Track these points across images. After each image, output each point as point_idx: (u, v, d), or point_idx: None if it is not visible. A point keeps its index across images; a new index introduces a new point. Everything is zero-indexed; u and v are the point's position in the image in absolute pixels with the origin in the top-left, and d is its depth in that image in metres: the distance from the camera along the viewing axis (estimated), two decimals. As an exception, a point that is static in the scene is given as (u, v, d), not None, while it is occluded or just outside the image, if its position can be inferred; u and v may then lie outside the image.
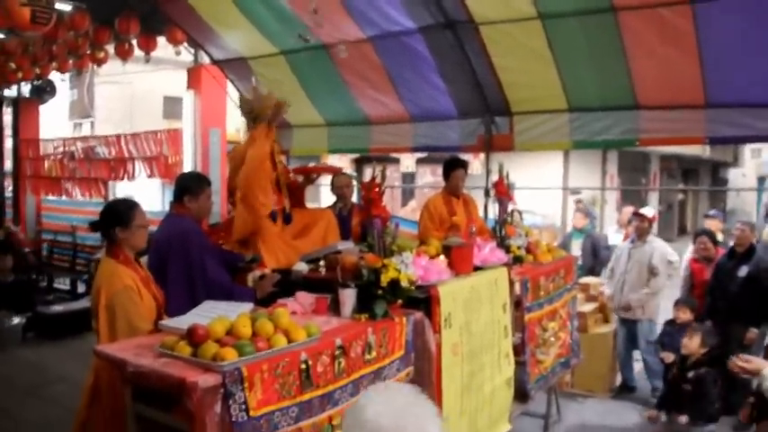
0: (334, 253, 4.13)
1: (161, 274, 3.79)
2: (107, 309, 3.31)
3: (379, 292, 3.30)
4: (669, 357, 6.48)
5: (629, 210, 10.07)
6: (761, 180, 21.27)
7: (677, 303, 6.76)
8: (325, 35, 7.19)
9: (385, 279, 3.29)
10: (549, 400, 6.39)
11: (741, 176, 30.94)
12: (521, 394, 4.94)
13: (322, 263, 4.22)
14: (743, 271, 6.56)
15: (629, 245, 7.60)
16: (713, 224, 8.81)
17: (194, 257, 3.95)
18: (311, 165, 4.97)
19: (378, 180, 4.15)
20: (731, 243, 7.15)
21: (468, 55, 6.72)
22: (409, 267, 3.40)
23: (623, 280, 7.46)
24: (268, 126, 4.63)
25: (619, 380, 7.81)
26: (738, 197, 27.12)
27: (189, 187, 4.17)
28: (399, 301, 3.44)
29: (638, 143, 6.61)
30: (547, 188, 13.13)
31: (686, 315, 6.51)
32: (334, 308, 3.42)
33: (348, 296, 3.32)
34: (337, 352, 2.93)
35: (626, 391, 7.62)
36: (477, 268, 4.32)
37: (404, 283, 3.35)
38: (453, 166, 6.13)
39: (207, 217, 4.37)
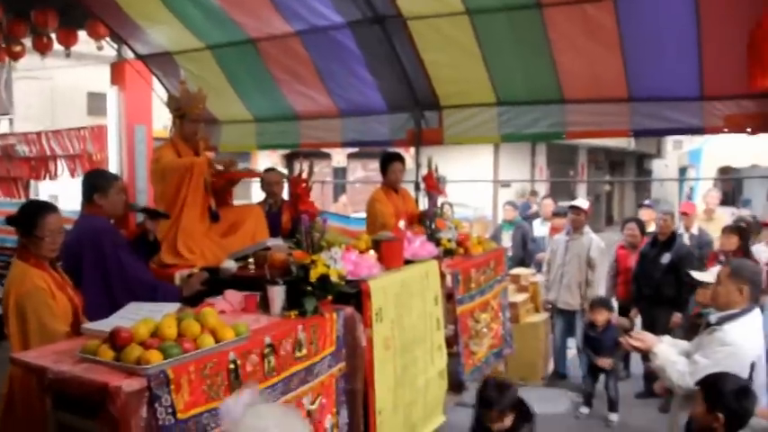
0: (263, 250, 4.07)
1: (77, 277, 3.66)
2: (17, 310, 3.20)
3: (309, 288, 3.27)
4: (607, 363, 6.57)
5: (548, 202, 10.27)
6: (682, 171, 21.97)
7: (592, 306, 6.81)
8: (252, 29, 7.09)
9: (314, 275, 3.26)
10: (482, 390, 6.48)
11: (664, 167, 31.95)
12: (456, 385, 4.98)
13: (251, 260, 4.16)
14: (666, 258, 6.77)
15: (566, 237, 7.72)
16: (647, 213, 9.08)
17: (109, 255, 3.83)
18: (232, 169, 4.86)
19: (304, 175, 4.09)
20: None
21: (396, 50, 6.73)
22: (338, 263, 3.38)
23: (561, 272, 7.58)
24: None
25: (551, 368, 7.97)
26: (662, 187, 28.00)
27: (97, 185, 4.02)
28: (329, 297, 3.41)
29: (564, 136, 6.74)
30: (478, 181, 13.28)
31: (603, 316, 6.60)
32: (264, 306, 3.37)
33: (277, 293, 3.28)
34: (267, 350, 2.89)
35: (558, 378, 7.79)
36: (407, 262, 4.32)
37: (333, 279, 3.32)
38: (390, 160, 6.11)
39: (121, 212, 4.24)
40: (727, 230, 6.67)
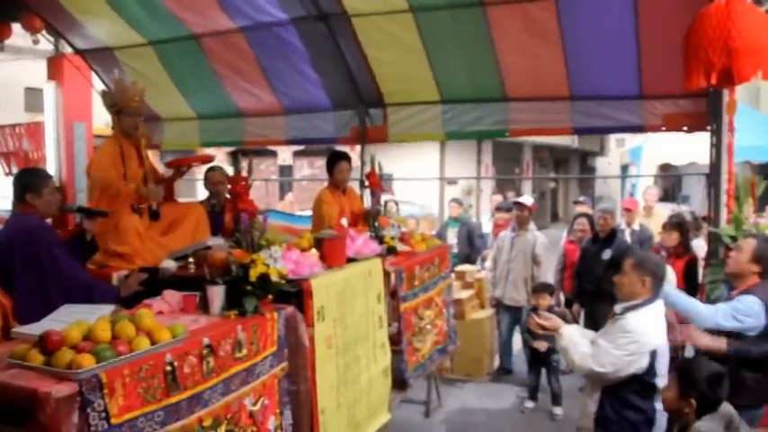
0: (203, 249, 4.01)
1: (8, 280, 3.54)
2: None
3: (249, 287, 3.23)
4: (543, 346, 6.69)
5: (498, 198, 10.37)
6: (624, 168, 22.48)
7: (535, 290, 6.93)
8: (194, 25, 6.98)
9: (254, 274, 3.22)
10: (428, 386, 6.52)
11: (607, 165, 32.57)
12: (400, 383, 4.99)
13: (191, 260, 4.09)
14: (606, 254, 6.89)
15: (511, 234, 7.79)
16: (583, 209, 9.22)
17: (43, 255, 3.71)
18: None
19: (244, 173, 4.04)
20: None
21: (341, 47, 6.71)
22: (278, 261, 3.35)
23: (507, 269, 7.64)
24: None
25: (497, 363, 8.05)
26: (605, 184, 28.54)
27: (30, 184, 3.88)
28: (270, 297, 3.37)
29: (507, 134, 6.82)
30: (424, 179, 13.33)
31: (546, 300, 6.71)
32: (203, 306, 3.32)
33: (216, 293, 3.23)
34: (205, 351, 2.84)
35: (503, 373, 7.86)
36: (350, 260, 4.31)
37: (273, 278, 3.29)
38: (336, 160, 6.07)
39: (55, 213, 4.13)
40: (667, 226, 6.81)
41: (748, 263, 4.05)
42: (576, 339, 3.82)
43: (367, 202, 6.21)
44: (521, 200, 8.00)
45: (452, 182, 16.62)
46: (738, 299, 3.98)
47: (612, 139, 29.48)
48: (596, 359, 3.64)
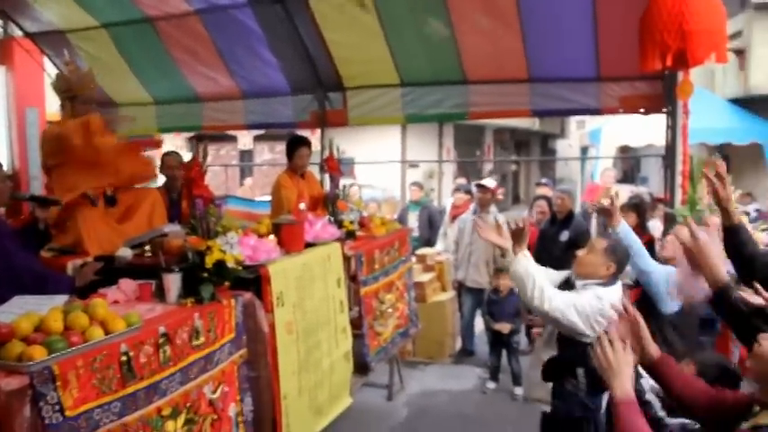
0: (159, 236, 3.94)
1: None
2: None
3: (205, 274, 3.19)
4: (506, 328, 6.75)
5: (461, 180, 10.41)
6: (584, 150, 22.75)
7: (496, 272, 7.02)
8: (148, 7, 6.83)
9: (210, 261, 3.18)
10: (391, 369, 6.55)
11: (568, 147, 32.88)
12: (361, 367, 5.00)
13: (147, 247, 4.03)
14: (564, 236, 6.96)
15: (473, 216, 7.81)
16: (544, 191, 9.30)
17: None
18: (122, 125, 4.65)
19: (199, 159, 3.99)
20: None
21: (299, 30, 6.64)
22: (235, 248, 3.32)
23: (469, 251, 7.67)
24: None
25: (458, 345, 8.11)
26: (567, 166, 28.83)
27: None
28: (227, 283, 3.34)
29: (467, 116, 6.83)
30: (385, 162, 13.31)
31: (507, 281, 6.78)
32: (160, 294, 3.27)
33: (172, 281, 3.19)
34: (161, 340, 2.81)
35: (465, 355, 7.92)
36: (309, 245, 4.29)
37: (230, 264, 3.26)
38: (296, 145, 6.01)
39: (6, 202, 4.03)
40: (625, 208, 6.88)
41: (602, 265, 3.92)
42: (532, 270, 3.75)
43: (326, 186, 6.19)
44: (483, 182, 8.02)
45: (414, 165, 16.63)
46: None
47: (573, 121, 29.75)
48: (555, 297, 3.61)
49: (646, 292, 4.15)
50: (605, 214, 4.14)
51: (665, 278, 3.96)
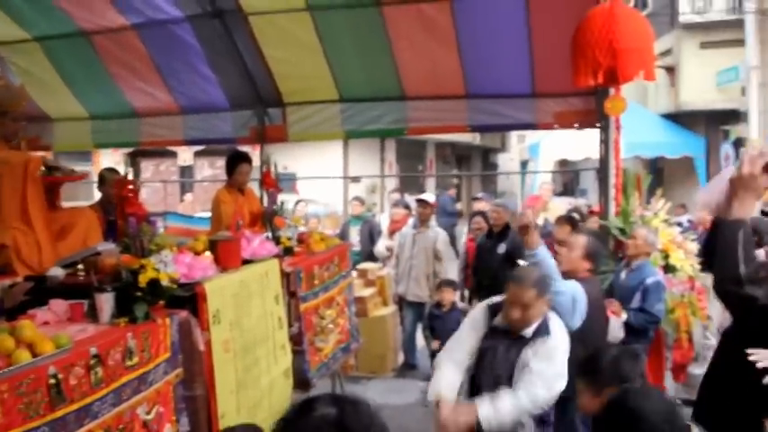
0: (92, 255, 3.86)
1: None
2: None
3: (139, 293, 3.14)
4: (437, 345, 6.80)
5: (396, 195, 10.49)
6: (524, 164, 23.18)
7: (439, 286, 7.09)
8: (83, 21, 6.71)
9: (143, 279, 3.13)
10: (333, 385, 6.50)
11: (509, 161, 33.44)
12: (302, 383, 4.96)
13: (81, 267, 3.94)
14: (501, 248, 7.07)
15: (413, 231, 7.87)
16: (481, 205, 9.43)
17: None
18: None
19: (130, 176, 3.93)
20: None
21: (237, 45, 6.62)
22: (169, 266, 3.27)
23: (410, 265, 7.72)
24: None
25: (401, 359, 8.13)
26: (508, 180, 29.28)
27: None
28: (161, 302, 3.29)
29: (406, 132, 6.91)
30: (327, 177, 13.33)
31: (450, 295, 6.84)
32: (92, 314, 3.20)
33: (105, 300, 3.12)
34: (93, 361, 2.74)
35: (408, 369, 7.94)
36: (247, 262, 4.26)
37: (165, 283, 3.21)
38: (238, 161, 5.99)
39: None
40: (560, 220, 7.05)
41: (580, 260, 4.15)
42: (496, 407, 3.31)
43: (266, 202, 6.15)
44: (423, 197, 8.12)
45: (356, 180, 16.67)
46: (572, 286, 3.97)
47: (513, 135, 30.28)
48: (537, 392, 3.30)
49: None
50: (523, 234, 4.03)
51: (572, 297, 3.93)
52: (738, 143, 13.61)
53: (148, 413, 3.12)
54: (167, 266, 3.25)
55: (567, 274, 4.19)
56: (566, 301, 3.85)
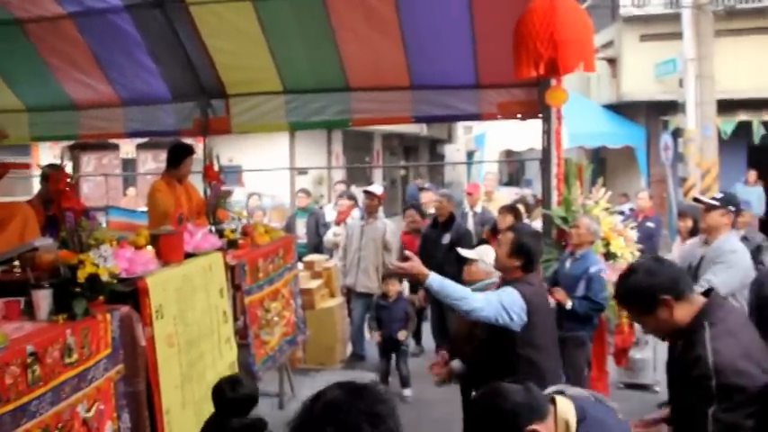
0: (29, 251, 3.77)
1: None
2: None
3: (78, 289, 3.07)
4: (403, 335, 6.83)
5: (341, 187, 10.50)
6: (470, 154, 23.38)
7: (384, 278, 7.10)
8: (16, 8, 6.50)
9: (82, 275, 3.07)
10: (280, 378, 6.50)
11: (456, 151, 33.67)
12: (248, 376, 4.93)
13: (17, 263, 3.84)
14: (446, 239, 7.13)
15: (361, 222, 7.87)
16: (427, 196, 9.51)
17: None
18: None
19: (67, 170, 3.85)
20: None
21: (179, 36, 6.51)
22: (109, 261, 3.21)
23: (358, 257, 7.72)
24: None
25: (349, 350, 8.14)
26: (454, 170, 29.48)
27: None
28: (101, 298, 3.23)
29: (350, 123, 6.90)
30: (274, 169, 13.22)
31: (396, 287, 6.88)
32: (29, 311, 3.12)
33: (42, 297, 3.05)
34: (29, 360, 2.68)
35: (357, 360, 7.96)
36: (189, 255, 4.21)
37: (104, 278, 3.15)
38: (185, 154, 5.94)
39: None
40: (503, 210, 7.14)
41: (507, 257, 3.95)
42: (446, 282, 3.81)
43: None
44: (370, 189, 8.13)
45: (303, 172, 16.58)
46: (504, 290, 3.90)
47: (460, 126, 30.47)
48: (480, 305, 3.72)
49: None
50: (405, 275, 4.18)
51: (498, 304, 3.78)
52: (677, 133, 13.96)
53: (88, 411, 3.07)
54: (107, 261, 3.19)
55: (501, 272, 4.17)
56: (495, 314, 3.77)
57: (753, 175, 14.14)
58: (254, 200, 10.77)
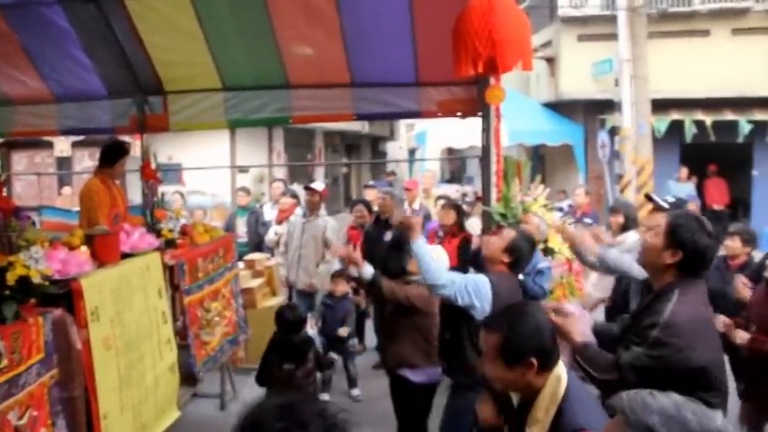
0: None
1: None
2: None
3: (7, 292, 2.98)
4: (345, 331, 6.83)
5: (278, 185, 10.44)
6: (411, 152, 23.52)
7: (333, 277, 7.10)
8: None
9: (12, 277, 2.97)
10: (222, 378, 6.43)
11: (398, 149, 33.86)
12: (189, 378, 4.90)
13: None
14: (388, 236, 7.14)
15: (302, 219, 7.82)
16: (371, 193, 9.52)
17: None
18: None
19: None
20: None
21: (115, 31, 6.35)
22: (41, 262, 3.12)
23: (299, 254, 7.67)
24: None
25: (292, 349, 8.08)
26: (397, 168, 29.60)
27: None
28: (32, 300, 3.14)
29: (291, 121, 6.82)
30: (214, 167, 13.06)
31: (343, 286, 6.88)
32: (-44, 316, 3.02)
33: (-31, 301, 2.96)
34: (-44, 366, 2.60)
35: (299, 358, 7.92)
36: (126, 255, 4.12)
37: (36, 280, 3.06)
38: (121, 153, 5.86)
39: None
40: (445, 207, 7.19)
41: (501, 252, 4.06)
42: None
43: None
44: (312, 185, 8.10)
45: (244, 170, 16.43)
46: (476, 276, 4.09)
47: (402, 124, 30.60)
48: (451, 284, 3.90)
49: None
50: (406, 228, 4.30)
51: (462, 286, 3.94)
52: (613, 131, 14.27)
53: (21, 418, 2.98)
54: (38, 263, 3.10)
55: (486, 260, 4.20)
56: (449, 293, 3.94)
57: (684, 171, 14.60)
58: (177, 198, 10.45)
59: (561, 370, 2.39)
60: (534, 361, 2.35)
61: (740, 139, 14.37)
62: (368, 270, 4.54)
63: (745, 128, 14.16)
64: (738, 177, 15.63)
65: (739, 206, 15.83)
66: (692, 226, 2.99)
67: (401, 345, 4.75)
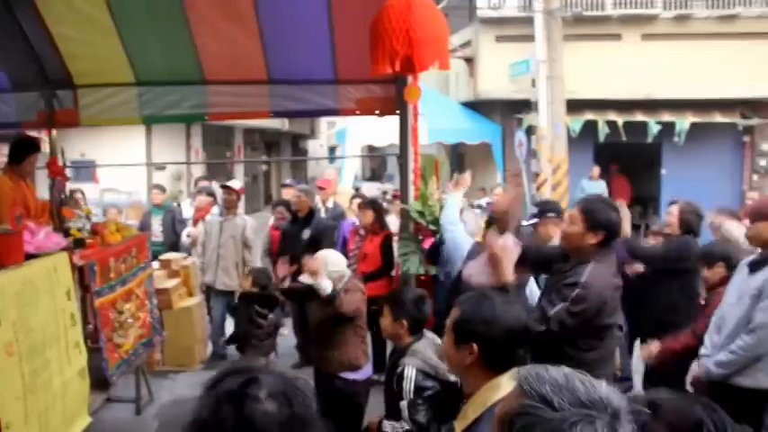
0: None
1: None
2: None
3: None
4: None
5: (203, 184, 10.28)
6: (332, 150, 23.49)
7: (249, 274, 7.05)
8: None
9: None
10: (137, 382, 6.27)
11: (319, 147, 33.81)
12: (101, 382, 4.75)
13: None
14: (306, 234, 7.12)
15: (220, 218, 7.70)
16: (289, 192, 9.45)
17: None
18: None
19: None
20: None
21: (20, 21, 6.09)
22: (-64, 265, 2.96)
23: (218, 254, 7.56)
24: None
25: (210, 350, 7.96)
26: (318, 165, 29.54)
27: None
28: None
29: (206, 117, 6.72)
30: (129, 165, 12.70)
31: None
32: None
33: None
34: None
35: (218, 359, 7.80)
36: (31, 256, 3.96)
37: (-70, 284, 2.91)
38: (31, 150, 5.65)
39: None
40: (362, 206, 7.20)
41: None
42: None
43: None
44: (228, 183, 7.99)
45: (161, 168, 16.07)
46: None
47: (323, 121, 30.55)
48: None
49: None
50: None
51: (453, 241, 4.92)
52: (530, 130, 14.57)
53: None
54: (-67, 265, 2.94)
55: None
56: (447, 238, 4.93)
57: (596, 170, 15.08)
58: (78, 196, 10.04)
59: (506, 383, 2.13)
60: (475, 347, 2.33)
61: (650, 140, 14.89)
62: (326, 284, 4.52)
63: (654, 128, 14.67)
64: (648, 176, 16.22)
65: (649, 203, 16.40)
66: (602, 206, 3.47)
67: (342, 350, 4.77)
